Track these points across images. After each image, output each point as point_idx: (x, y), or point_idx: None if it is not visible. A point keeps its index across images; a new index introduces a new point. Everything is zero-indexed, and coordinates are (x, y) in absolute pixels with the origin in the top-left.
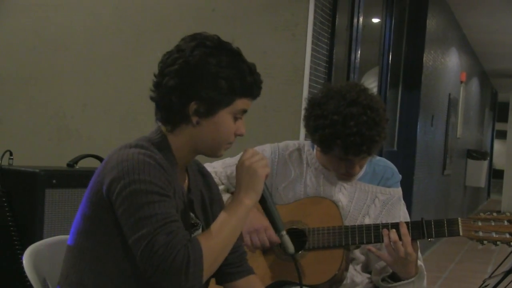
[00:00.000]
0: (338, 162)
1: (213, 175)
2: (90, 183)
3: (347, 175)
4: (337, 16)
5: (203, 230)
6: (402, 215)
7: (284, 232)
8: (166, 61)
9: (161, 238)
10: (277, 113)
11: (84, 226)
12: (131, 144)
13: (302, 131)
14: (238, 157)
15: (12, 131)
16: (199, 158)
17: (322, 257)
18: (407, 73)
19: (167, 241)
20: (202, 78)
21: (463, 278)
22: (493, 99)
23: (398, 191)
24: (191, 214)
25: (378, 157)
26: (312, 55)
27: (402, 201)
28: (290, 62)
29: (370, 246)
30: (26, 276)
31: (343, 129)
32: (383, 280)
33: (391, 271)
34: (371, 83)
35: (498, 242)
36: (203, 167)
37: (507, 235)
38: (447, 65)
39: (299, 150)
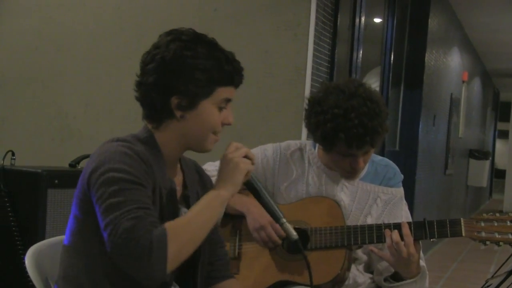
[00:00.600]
0: (342, 159)
1: (215, 172)
2: (78, 182)
3: (351, 172)
4: (339, 16)
5: None
6: (404, 215)
7: (284, 220)
8: (145, 60)
9: (126, 223)
10: (279, 113)
11: (76, 226)
12: (113, 139)
13: (304, 131)
14: None
15: (14, 131)
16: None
17: (324, 257)
18: (409, 73)
19: (131, 225)
20: (180, 71)
21: (465, 278)
22: (495, 99)
23: (400, 191)
24: (186, 209)
25: (380, 157)
26: (314, 55)
27: (404, 201)
28: (292, 62)
29: (372, 247)
30: (28, 276)
31: (345, 122)
32: (385, 280)
33: (393, 271)
34: (373, 83)
35: (500, 243)
36: (200, 167)
37: (510, 236)
38: (449, 64)
39: (301, 149)
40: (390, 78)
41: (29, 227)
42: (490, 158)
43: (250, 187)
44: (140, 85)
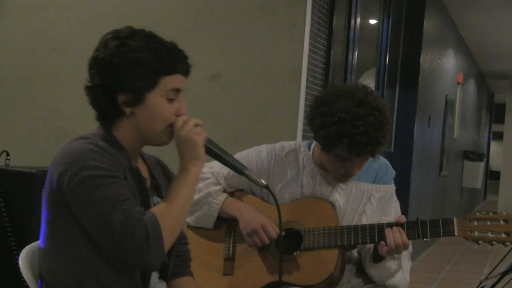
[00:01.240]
0: (338, 162)
1: (210, 175)
2: (45, 185)
3: (344, 176)
4: (334, 17)
5: None
6: (393, 212)
7: (247, 171)
8: (89, 65)
9: (117, 217)
10: (274, 114)
11: (49, 229)
12: (74, 138)
13: (299, 132)
14: (235, 156)
15: (9, 132)
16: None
17: (317, 258)
18: (404, 74)
19: (123, 218)
20: (120, 68)
21: (460, 279)
22: (489, 101)
23: (392, 187)
24: (158, 198)
25: None
26: (309, 56)
27: (395, 197)
28: (287, 62)
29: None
30: (22, 277)
31: (350, 128)
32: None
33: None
34: (369, 84)
35: (493, 242)
36: (161, 160)
37: (503, 235)
38: (444, 66)
39: (295, 150)
40: (386, 79)
41: (23, 227)
42: (485, 160)
43: (208, 151)
44: (88, 89)
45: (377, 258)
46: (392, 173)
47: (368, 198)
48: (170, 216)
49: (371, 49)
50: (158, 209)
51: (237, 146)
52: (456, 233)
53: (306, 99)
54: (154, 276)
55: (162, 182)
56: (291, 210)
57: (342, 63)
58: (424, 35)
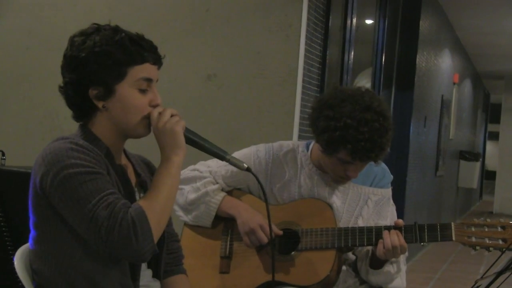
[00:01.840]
0: (339, 165)
1: (207, 174)
2: (29, 188)
3: (343, 178)
4: (330, 17)
5: None
6: (389, 216)
7: (229, 156)
8: (61, 65)
9: (102, 212)
10: (270, 114)
11: (37, 232)
12: (54, 140)
13: (295, 132)
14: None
15: (5, 131)
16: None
17: (314, 259)
18: (400, 74)
19: (108, 213)
20: (87, 63)
21: (456, 279)
22: (485, 101)
23: (389, 191)
24: (143, 194)
25: None
26: (305, 56)
27: (391, 201)
28: (283, 63)
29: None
30: (18, 277)
31: (355, 134)
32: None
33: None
34: (364, 84)
35: (491, 248)
36: (146, 158)
37: (500, 241)
38: (440, 66)
39: (293, 150)
40: (382, 79)
41: (19, 227)
42: (481, 160)
43: (187, 140)
44: (61, 89)
45: (376, 264)
46: (390, 177)
47: (365, 201)
48: (156, 206)
49: (367, 49)
50: (144, 200)
51: (233, 146)
52: (453, 238)
53: (302, 99)
54: (148, 275)
55: (148, 179)
56: (290, 211)
57: (338, 63)
58: (420, 36)
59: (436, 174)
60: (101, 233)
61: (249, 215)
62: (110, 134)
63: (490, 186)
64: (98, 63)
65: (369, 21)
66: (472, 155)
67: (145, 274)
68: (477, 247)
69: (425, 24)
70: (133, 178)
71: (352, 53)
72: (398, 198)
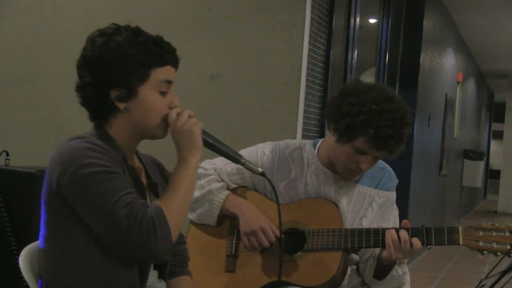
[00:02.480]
0: (353, 155)
1: (213, 171)
2: (43, 187)
3: (353, 171)
4: (334, 16)
5: None
6: (392, 219)
7: (244, 160)
8: (78, 65)
9: (121, 211)
10: (273, 113)
11: (48, 230)
12: (69, 139)
13: (299, 131)
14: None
15: (9, 132)
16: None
17: (320, 259)
18: (404, 74)
19: (128, 212)
20: (110, 63)
21: (460, 278)
22: (489, 100)
23: (393, 195)
24: (154, 197)
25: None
26: (309, 56)
27: (395, 206)
28: (287, 62)
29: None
30: (22, 277)
31: (378, 119)
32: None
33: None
34: None
35: (498, 253)
36: (157, 160)
37: (508, 246)
38: (444, 65)
39: (300, 148)
40: (385, 78)
41: (23, 227)
42: (485, 159)
43: (203, 142)
44: (79, 89)
45: (380, 274)
46: (395, 181)
47: (370, 203)
48: (174, 207)
49: (370, 48)
50: (162, 200)
51: (237, 145)
52: (461, 242)
53: (305, 99)
54: (154, 275)
55: (159, 181)
56: (296, 210)
57: (342, 63)
58: (423, 35)
59: (440, 173)
60: (120, 232)
61: (252, 215)
62: (126, 135)
63: (494, 185)
64: (122, 65)
65: (372, 20)
66: (476, 154)
67: (151, 275)
68: (485, 252)
69: (429, 23)
70: (144, 181)
71: (356, 52)
72: (402, 197)
